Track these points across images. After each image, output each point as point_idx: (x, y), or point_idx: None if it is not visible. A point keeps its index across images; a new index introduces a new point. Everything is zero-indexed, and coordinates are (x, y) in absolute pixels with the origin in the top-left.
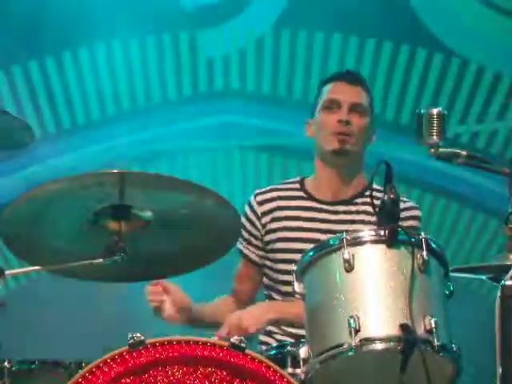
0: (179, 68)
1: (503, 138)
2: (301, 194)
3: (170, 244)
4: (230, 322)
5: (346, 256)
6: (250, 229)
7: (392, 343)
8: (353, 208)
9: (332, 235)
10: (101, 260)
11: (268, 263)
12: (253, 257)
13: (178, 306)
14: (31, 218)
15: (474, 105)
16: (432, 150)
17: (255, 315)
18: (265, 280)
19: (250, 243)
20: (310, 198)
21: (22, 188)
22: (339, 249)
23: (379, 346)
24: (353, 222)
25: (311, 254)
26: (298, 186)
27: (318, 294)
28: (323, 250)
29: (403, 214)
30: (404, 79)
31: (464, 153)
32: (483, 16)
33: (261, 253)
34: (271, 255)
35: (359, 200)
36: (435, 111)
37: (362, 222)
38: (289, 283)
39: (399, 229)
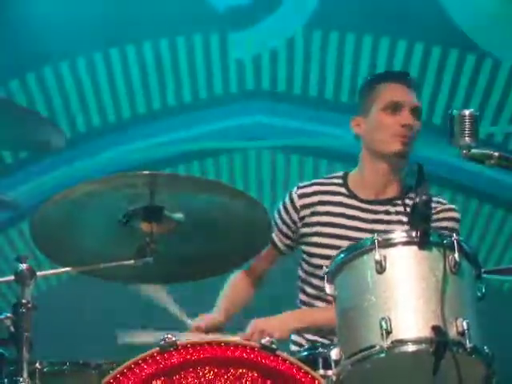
0: (210, 69)
1: None
2: (343, 190)
3: (200, 245)
4: (255, 326)
5: (378, 257)
6: (285, 218)
7: (424, 345)
8: (392, 208)
9: (368, 234)
10: (132, 261)
11: (303, 256)
12: (278, 243)
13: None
14: (62, 220)
15: (507, 105)
16: (464, 152)
17: (281, 322)
18: (299, 272)
19: (279, 230)
20: (352, 195)
21: (52, 190)
22: (371, 250)
23: (411, 348)
24: (390, 222)
25: (343, 255)
26: (341, 181)
27: (350, 295)
28: (355, 251)
29: (440, 216)
30: (436, 80)
31: (496, 154)
32: None
33: (288, 242)
34: (306, 248)
35: (399, 201)
36: (467, 112)
37: (400, 222)
38: (319, 277)
39: (431, 230)
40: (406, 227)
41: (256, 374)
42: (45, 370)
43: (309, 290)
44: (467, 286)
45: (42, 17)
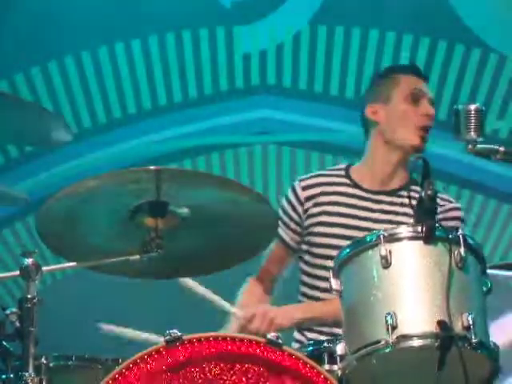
0: (216, 64)
1: None
2: (346, 180)
3: (206, 241)
4: (258, 309)
5: (383, 252)
6: (291, 213)
7: (429, 340)
8: (397, 200)
9: (371, 223)
10: (137, 256)
11: (305, 247)
12: (287, 239)
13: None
14: (68, 215)
15: None
16: (470, 147)
17: (285, 311)
18: (301, 265)
19: (287, 226)
20: (355, 185)
21: (59, 184)
22: (376, 245)
23: (416, 342)
24: (396, 213)
25: (348, 250)
26: (343, 172)
27: (355, 290)
28: (360, 246)
29: (448, 215)
30: (442, 75)
31: (502, 149)
32: None
33: (297, 237)
34: (310, 238)
35: (404, 193)
36: (473, 107)
37: (405, 214)
38: (324, 267)
39: (437, 225)
40: (411, 220)
41: (262, 369)
42: (51, 364)
43: (312, 281)
44: (473, 280)
45: (47, 11)
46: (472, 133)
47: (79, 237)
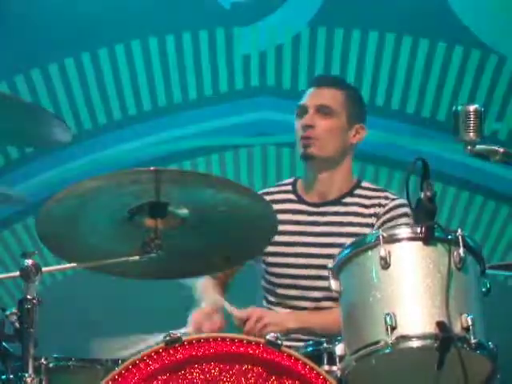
0: (215, 65)
1: None
2: (292, 196)
3: (206, 241)
4: (254, 311)
5: (383, 253)
6: None
7: (428, 341)
8: (342, 209)
9: (316, 238)
10: (137, 257)
11: (263, 266)
12: None
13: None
14: (68, 216)
15: (511, 102)
16: (469, 148)
17: (280, 319)
18: (262, 282)
19: None
20: (300, 200)
21: (58, 185)
22: (375, 246)
23: (415, 343)
24: (341, 223)
25: (347, 251)
26: (290, 188)
27: (354, 291)
28: (359, 247)
29: (394, 213)
30: (441, 76)
31: (501, 150)
32: None
33: None
34: (265, 258)
35: (348, 200)
36: (472, 108)
37: (351, 224)
38: (282, 286)
39: (436, 226)
40: (356, 228)
41: (261, 370)
42: (50, 365)
43: (272, 299)
44: (472, 281)
45: (47, 12)
46: (471, 134)
47: (79, 238)
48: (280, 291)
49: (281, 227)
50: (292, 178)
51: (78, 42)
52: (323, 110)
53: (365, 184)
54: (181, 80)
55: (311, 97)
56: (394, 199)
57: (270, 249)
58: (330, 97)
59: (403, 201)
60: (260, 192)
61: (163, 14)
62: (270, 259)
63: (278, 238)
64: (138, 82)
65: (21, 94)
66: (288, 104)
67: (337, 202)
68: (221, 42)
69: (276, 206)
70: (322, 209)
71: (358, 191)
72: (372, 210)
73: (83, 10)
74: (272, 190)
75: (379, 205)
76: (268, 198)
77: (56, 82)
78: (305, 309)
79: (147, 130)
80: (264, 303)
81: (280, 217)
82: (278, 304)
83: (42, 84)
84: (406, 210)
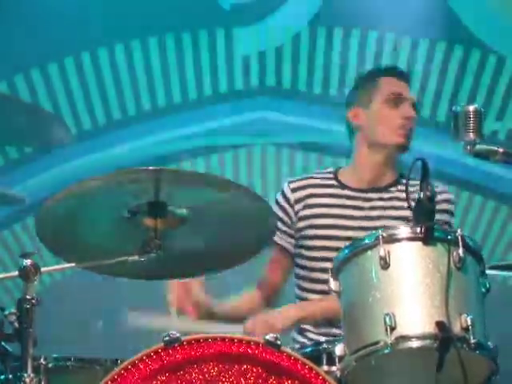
0: (215, 65)
1: None
2: (333, 182)
3: (205, 241)
4: (256, 317)
5: (382, 253)
6: (282, 216)
7: (428, 341)
8: (386, 195)
9: (361, 221)
10: (136, 257)
11: (298, 250)
12: (285, 244)
13: (193, 306)
14: (67, 216)
15: (511, 102)
16: (468, 148)
17: (282, 313)
18: (296, 269)
19: (282, 231)
20: (343, 186)
21: (58, 185)
22: (375, 246)
23: (415, 343)
24: (384, 208)
25: (346, 251)
26: (331, 175)
27: (354, 291)
28: (359, 247)
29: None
30: (441, 76)
31: (501, 150)
32: None
33: (293, 240)
34: (302, 242)
35: (393, 189)
36: (471, 108)
37: (393, 207)
38: (319, 270)
39: (435, 226)
40: (398, 211)
41: (260, 370)
42: (49, 365)
43: (306, 285)
44: (471, 281)
45: (46, 12)
46: (471, 134)
47: (78, 237)
48: (315, 275)
49: (321, 210)
50: (332, 168)
51: (77, 41)
52: (416, 106)
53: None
54: (180, 80)
55: (406, 90)
56: (436, 186)
57: (309, 231)
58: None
59: (444, 187)
60: (301, 176)
61: (163, 15)
62: (309, 242)
63: (317, 221)
64: (138, 82)
65: (20, 95)
66: (288, 104)
67: (383, 189)
68: (221, 42)
69: (317, 190)
70: (367, 194)
71: (403, 181)
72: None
73: (83, 9)
74: (314, 175)
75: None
76: (310, 181)
77: (56, 82)
78: None
79: (146, 130)
80: (297, 292)
81: (322, 201)
82: (311, 291)
83: (42, 84)
84: (449, 196)
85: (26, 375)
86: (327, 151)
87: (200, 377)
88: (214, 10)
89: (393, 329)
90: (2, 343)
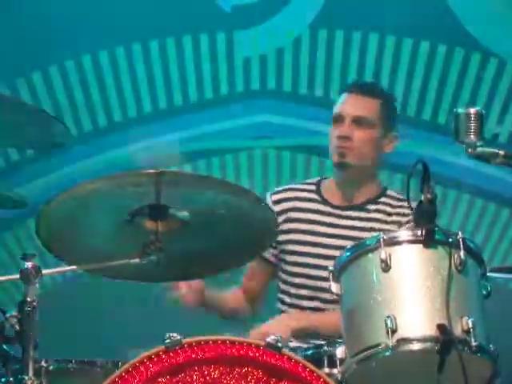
0: (216, 68)
1: None
2: (315, 196)
3: (206, 243)
4: (255, 332)
5: (383, 256)
6: None
7: (429, 344)
8: (365, 215)
9: (336, 240)
10: (137, 260)
11: (280, 264)
12: (266, 254)
13: (192, 289)
14: (68, 218)
15: None
16: (469, 150)
17: (280, 323)
18: (278, 283)
19: None
20: (324, 201)
21: (59, 188)
22: (376, 249)
23: (416, 346)
24: (362, 229)
25: (348, 254)
26: (314, 187)
27: (355, 294)
28: (360, 249)
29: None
30: (441, 79)
31: (502, 152)
32: None
33: (274, 251)
34: (282, 256)
35: (372, 207)
36: (473, 111)
37: (372, 229)
38: (298, 286)
39: (436, 229)
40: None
41: (261, 373)
42: (50, 368)
43: (286, 299)
44: (472, 284)
45: (48, 15)
46: (472, 136)
47: (79, 240)
48: (293, 291)
49: (301, 225)
50: (316, 179)
51: (78, 44)
52: (360, 121)
53: (390, 192)
54: (181, 83)
55: (348, 105)
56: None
57: (290, 247)
58: (367, 107)
59: (404, 210)
60: (285, 187)
61: (164, 17)
62: (288, 257)
63: (296, 237)
64: (139, 85)
65: (21, 96)
66: (288, 107)
67: (361, 207)
68: (221, 44)
69: (300, 204)
70: (346, 212)
71: (383, 199)
72: (394, 218)
73: (84, 12)
74: (297, 186)
75: (403, 214)
76: (293, 194)
77: (57, 84)
78: (315, 309)
79: (147, 133)
80: (279, 305)
81: (302, 215)
82: (291, 305)
83: (43, 86)
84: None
85: (27, 378)
86: (328, 154)
87: (201, 379)
88: (215, 13)
89: (394, 331)
90: (3, 346)
